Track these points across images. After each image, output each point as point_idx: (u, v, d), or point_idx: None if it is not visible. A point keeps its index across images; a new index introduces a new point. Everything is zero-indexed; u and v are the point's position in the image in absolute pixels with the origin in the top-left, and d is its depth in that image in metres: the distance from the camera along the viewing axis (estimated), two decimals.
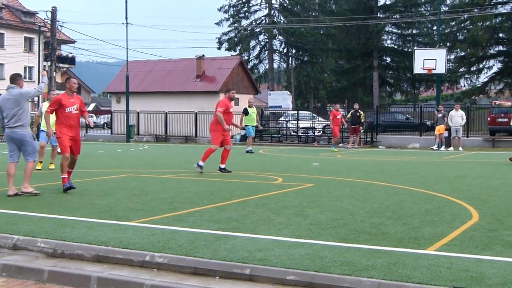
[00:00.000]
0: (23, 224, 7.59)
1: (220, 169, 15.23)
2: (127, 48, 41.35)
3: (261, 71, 70.23)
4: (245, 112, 25.51)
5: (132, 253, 6.13)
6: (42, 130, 15.96)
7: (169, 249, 6.24)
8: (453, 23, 52.67)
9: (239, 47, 66.05)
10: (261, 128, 30.47)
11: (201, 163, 15.01)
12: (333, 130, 28.13)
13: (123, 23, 40.82)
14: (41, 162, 15.82)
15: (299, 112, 38.81)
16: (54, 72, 48.06)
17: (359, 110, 30.09)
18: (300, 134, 36.28)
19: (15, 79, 10.66)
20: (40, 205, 9.28)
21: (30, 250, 6.54)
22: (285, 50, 68.15)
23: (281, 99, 42.29)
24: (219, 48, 66.53)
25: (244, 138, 35.58)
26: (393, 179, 13.86)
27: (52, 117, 11.54)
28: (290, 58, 68.56)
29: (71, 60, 72.76)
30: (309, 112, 43.65)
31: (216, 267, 5.68)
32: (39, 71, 46.13)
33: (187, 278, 5.59)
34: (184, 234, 7.08)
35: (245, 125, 25.08)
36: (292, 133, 37.35)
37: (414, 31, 60.74)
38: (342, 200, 10.10)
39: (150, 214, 8.51)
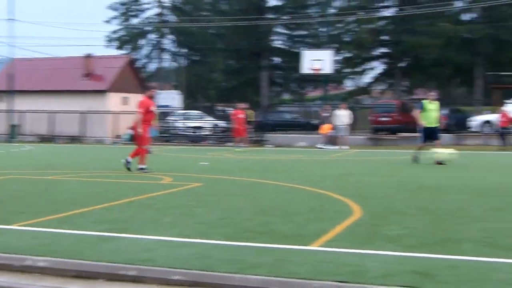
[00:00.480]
0: None
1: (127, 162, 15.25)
2: (12, 46, 39.88)
3: (151, 70, 69.59)
4: None
5: (13, 257, 5.90)
6: None
7: (53, 252, 6.06)
8: (341, 25, 54.26)
9: (128, 46, 65.19)
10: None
11: (141, 166, 15.15)
12: (236, 130, 28.15)
13: (9, 19, 39.34)
14: None
15: (188, 111, 38.74)
16: None
17: (247, 110, 30.32)
18: (189, 133, 36.21)
19: None
20: None
21: None
22: (175, 50, 67.83)
23: (170, 98, 42.05)
24: (107, 47, 65.34)
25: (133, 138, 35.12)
26: (281, 177, 14.09)
27: None
28: (180, 57, 68.32)
29: None
30: (198, 112, 43.64)
31: (101, 269, 5.56)
32: None
33: (70, 282, 5.44)
34: (68, 236, 6.90)
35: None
36: (180, 132, 37.22)
37: (303, 32, 61.93)
38: (231, 199, 10.17)
39: (33, 216, 8.22)
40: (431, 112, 18.01)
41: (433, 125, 18.04)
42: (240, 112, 28.07)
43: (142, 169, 15.04)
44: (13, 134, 37.25)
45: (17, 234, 6.98)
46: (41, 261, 5.76)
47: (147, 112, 15.04)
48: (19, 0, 45.19)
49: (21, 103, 39.87)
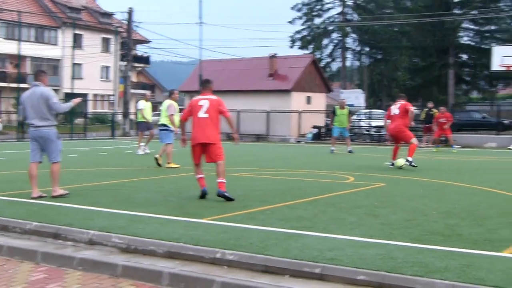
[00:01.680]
0: (99, 219, 7.78)
1: None
2: (200, 48, 41.89)
3: (333, 70, 69.88)
4: (334, 113, 24.73)
5: (203, 250, 6.19)
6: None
7: (240, 246, 6.27)
8: None
9: (311, 46, 65.92)
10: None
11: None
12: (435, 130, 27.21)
13: (197, 23, 41.41)
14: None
15: (371, 110, 38.34)
16: (130, 72, 49.12)
17: (433, 109, 29.43)
18: (373, 133, 35.85)
19: (38, 76, 10.16)
20: (114, 201, 9.48)
21: (105, 245, 6.70)
22: (358, 48, 67.57)
23: (354, 97, 41.93)
24: (291, 47, 66.58)
25: (316, 137, 35.46)
26: (469, 179, 13.52)
27: None
28: (363, 56, 67.92)
29: (146, 60, 74.28)
30: (382, 111, 43.06)
31: (287, 265, 5.67)
32: (115, 71, 47.15)
33: (257, 276, 5.61)
34: (255, 232, 7.10)
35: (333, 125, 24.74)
36: (364, 132, 36.94)
37: (493, 27, 58.94)
38: (415, 200, 9.93)
39: (221, 211, 8.58)
40: None
41: None
42: (442, 116, 26.66)
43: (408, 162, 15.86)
44: None
45: (207, 228, 7.30)
46: (230, 255, 5.98)
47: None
48: (207, 5, 47.26)
49: None
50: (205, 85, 10.85)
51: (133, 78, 64.49)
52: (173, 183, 12.29)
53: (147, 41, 70.40)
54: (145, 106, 20.78)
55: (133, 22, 47.89)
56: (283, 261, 5.75)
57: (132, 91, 54.73)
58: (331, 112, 25.29)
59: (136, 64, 68.18)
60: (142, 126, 21.08)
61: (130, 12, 46.79)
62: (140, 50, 73.20)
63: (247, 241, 6.57)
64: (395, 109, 16.10)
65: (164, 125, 16.27)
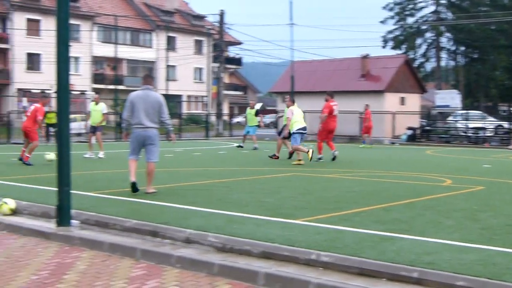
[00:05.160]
0: (195, 219, 7.92)
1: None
2: (292, 49, 42.00)
3: (427, 70, 68.43)
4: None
5: (298, 251, 6.19)
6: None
7: (334, 248, 6.24)
8: None
9: (404, 45, 64.82)
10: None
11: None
12: None
13: (288, 24, 41.54)
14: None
15: (468, 111, 37.30)
16: (222, 73, 49.81)
17: None
18: (470, 134, 34.86)
19: (147, 80, 10.75)
20: (210, 201, 9.63)
21: (202, 244, 6.81)
22: (453, 48, 65.91)
23: (449, 98, 40.90)
24: (383, 47, 65.71)
25: (411, 138, 34.80)
26: None
27: None
28: (458, 55, 66.19)
29: (238, 61, 75.13)
30: (479, 112, 41.86)
31: (383, 268, 5.59)
32: (208, 72, 47.90)
33: (352, 278, 5.56)
34: (350, 234, 7.05)
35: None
36: (461, 133, 35.98)
37: None
38: None
39: (315, 213, 8.56)
40: None
41: None
42: None
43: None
44: None
45: (302, 229, 7.31)
46: (325, 256, 5.96)
47: None
48: (297, 6, 47.21)
49: (301, 104, 41.68)
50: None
51: (226, 79, 65.34)
52: (266, 184, 12.36)
53: (239, 43, 71.14)
54: (93, 108, 20.18)
55: (225, 24, 48.61)
56: (379, 264, 5.67)
57: (225, 92, 55.49)
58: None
59: (228, 66, 69.05)
60: (93, 129, 20.19)
61: (221, 14, 47.49)
62: (232, 51, 74.12)
63: (342, 243, 6.53)
64: None
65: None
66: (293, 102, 18.42)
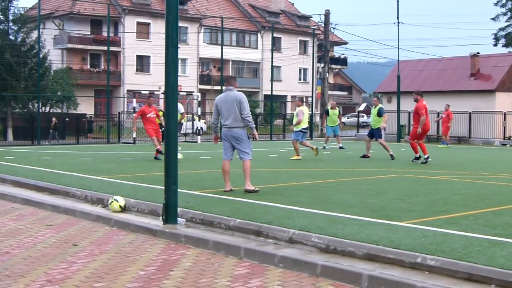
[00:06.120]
0: (298, 219, 7.93)
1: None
2: (398, 48, 41.25)
3: None
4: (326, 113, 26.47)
5: (403, 253, 6.08)
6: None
7: (441, 252, 6.08)
8: None
9: None
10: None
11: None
12: None
13: (394, 23, 40.83)
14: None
15: None
16: (327, 73, 49.59)
17: None
18: None
19: (229, 81, 10.97)
20: (313, 202, 9.61)
21: (305, 244, 6.81)
22: None
23: None
24: (495, 45, 63.43)
25: None
26: None
27: None
28: None
29: (343, 61, 74.59)
30: None
31: (493, 274, 5.39)
32: (313, 72, 47.88)
33: (460, 283, 5.41)
34: (457, 237, 6.84)
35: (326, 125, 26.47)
36: None
37: None
38: None
39: (422, 215, 8.38)
40: None
41: None
42: None
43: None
44: (401, 133, 38.41)
45: (407, 231, 7.16)
46: (431, 260, 5.82)
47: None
48: (404, 4, 46.28)
49: (407, 104, 40.89)
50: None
51: (330, 79, 65.02)
52: (370, 185, 12.21)
53: (344, 43, 70.61)
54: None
55: (330, 24, 48.36)
56: (488, 270, 5.48)
57: (330, 92, 55.24)
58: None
59: (333, 66, 68.66)
60: None
61: (327, 14, 47.32)
62: (337, 51, 73.66)
63: (449, 246, 6.35)
64: None
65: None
66: (302, 102, 20.16)
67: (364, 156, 19.84)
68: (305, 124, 19.09)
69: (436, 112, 36.24)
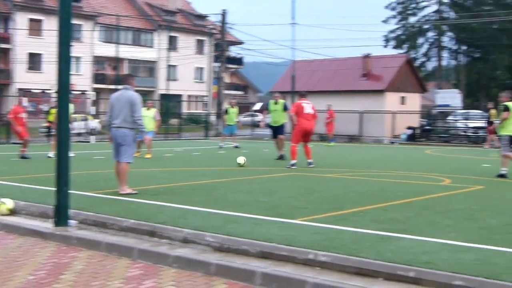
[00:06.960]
0: (193, 218, 7.91)
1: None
2: (293, 48, 41.98)
3: (429, 69, 68.38)
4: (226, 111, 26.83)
5: (296, 250, 6.18)
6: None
7: (333, 248, 6.23)
8: None
9: (406, 45, 64.81)
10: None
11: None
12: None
13: (290, 23, 41.53)
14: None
15: (469, 111, 37.22)
16: (223, 73, 49.76)
17: None
18: (470, 134, 34.81)
19: (127, 79, 10.80)
20: (207, 201, 9.61)
21: (199, 243, 6.79)
22: (455, 47, 65.84)
23: (450, 97, 40.84)
24: (385, 46, 65.67)
25: (411, 138, 34.77)
26: None
27: None
28: (460, 55, 66.12)
29: (239, 61, 75.04)
30: (480, 111, 41.78)
31: (380, 268, 5.57)
32: (209, 72, 47.88)
33: (350, 278, 5.55)
34: (348, 233, 7.03)
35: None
36: (460, 133, 35.93)
37: None
38: None
39: (314, 212, 8.54)
40: None
41: None
42: None
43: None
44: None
45: (300, 229, 7.29)
46: (323, 256, 5.94)
47: None
48: (300, 5, 47.12)
49: None
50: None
51: (226, 79, 65.24)
52: (264, 183, 12.36)
53: (241, 42, 71.02)
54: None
55: (227, 24, 48.51)
56: (376, 264, 5.66)
57: (225, 92, 55.44)
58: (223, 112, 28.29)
59: (230, 65, 68.93)
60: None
61: (223, 14, 47.45)
62: (233, 51, 74.01)
63: (340, 242, 6.52)
64: None
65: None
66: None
67: (280, 158, 18.79)
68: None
69: (326, 112, 37.05)
